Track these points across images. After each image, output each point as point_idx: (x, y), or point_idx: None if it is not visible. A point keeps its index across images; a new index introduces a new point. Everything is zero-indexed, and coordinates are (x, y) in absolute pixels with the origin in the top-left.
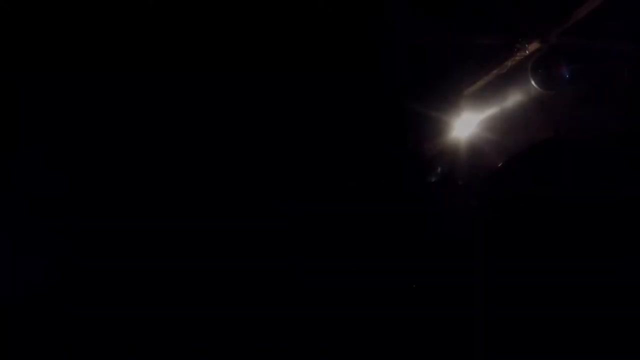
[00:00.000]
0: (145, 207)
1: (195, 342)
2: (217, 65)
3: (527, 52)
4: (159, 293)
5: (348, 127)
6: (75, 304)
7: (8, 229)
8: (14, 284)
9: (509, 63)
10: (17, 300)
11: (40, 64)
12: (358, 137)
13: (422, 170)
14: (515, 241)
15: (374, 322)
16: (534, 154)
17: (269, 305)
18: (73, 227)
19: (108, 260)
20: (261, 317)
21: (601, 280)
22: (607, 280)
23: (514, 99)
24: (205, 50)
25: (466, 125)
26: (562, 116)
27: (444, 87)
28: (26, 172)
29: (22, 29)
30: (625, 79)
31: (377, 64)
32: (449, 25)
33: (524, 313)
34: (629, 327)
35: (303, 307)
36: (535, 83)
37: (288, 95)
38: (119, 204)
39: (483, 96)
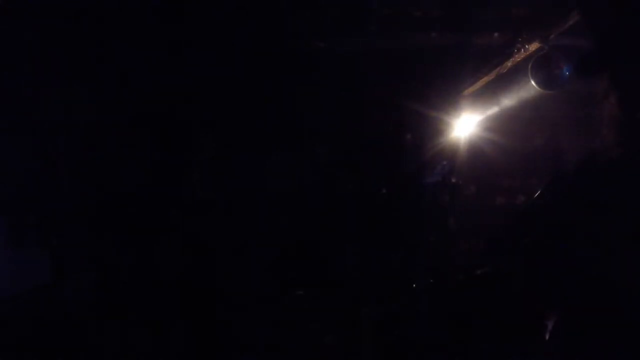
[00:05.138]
0: None
1: None
2: None
3: (527, 52)
4: None
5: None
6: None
7: None
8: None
9: (509, 63)
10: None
11: None
12: (359, 137)
13: (421, 169)
14: None
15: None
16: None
17: None
18: None
19: None
20: None
21: None
22: None
23: (513, 99)
24: None
25: (466, 125)
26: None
27: (444, 87)
28: None
29: None
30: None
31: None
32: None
33: None
34: None
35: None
36: (535, 83)
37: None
38: None
39: (483, 96)
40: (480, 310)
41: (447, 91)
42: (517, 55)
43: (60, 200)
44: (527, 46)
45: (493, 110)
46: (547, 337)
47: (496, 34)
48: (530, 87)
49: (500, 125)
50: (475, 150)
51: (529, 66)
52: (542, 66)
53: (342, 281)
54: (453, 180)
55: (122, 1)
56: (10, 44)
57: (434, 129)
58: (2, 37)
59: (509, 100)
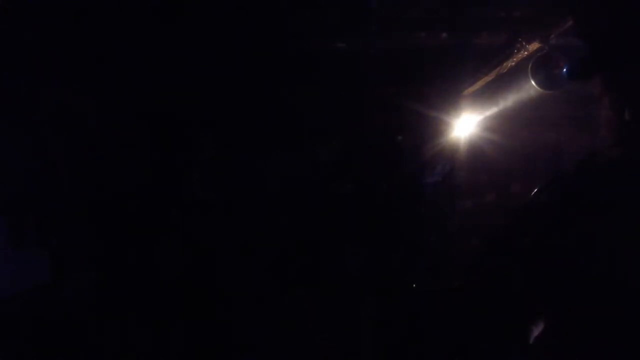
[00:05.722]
0: None
1: None
2: None
3: (527, 52)
4: None
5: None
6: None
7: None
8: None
9: (509, 63)
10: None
11: None
12: (359, 137)
13: (421, 169)
14: None
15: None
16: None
17: None
18: None
19: None
20: None
21: None
22: None
23: (513, 99)
24: None
25: (466, 125)
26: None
27: (444, 87)
28: None
29: None
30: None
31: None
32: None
33: None
34: None
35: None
36: (535, 83)
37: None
38: None
39: (483, 96)
40: (480, 310)
41: (447, 91)
42: (517, 55)
43: (60, 200)
44: (527, 46)
45: (493, 110)
46: (546, 337)
47: (496, 34)
48: (530, 87)
49: (500, 125)
50: (475, 150)
51: (529, 66)
52: (542, 66)
53: (342, 281)
54: (453, 180)
55: (122, 1)
56: (10, 44)
57: (434, 129)
58: (2, 37)
59: (509, 100)
